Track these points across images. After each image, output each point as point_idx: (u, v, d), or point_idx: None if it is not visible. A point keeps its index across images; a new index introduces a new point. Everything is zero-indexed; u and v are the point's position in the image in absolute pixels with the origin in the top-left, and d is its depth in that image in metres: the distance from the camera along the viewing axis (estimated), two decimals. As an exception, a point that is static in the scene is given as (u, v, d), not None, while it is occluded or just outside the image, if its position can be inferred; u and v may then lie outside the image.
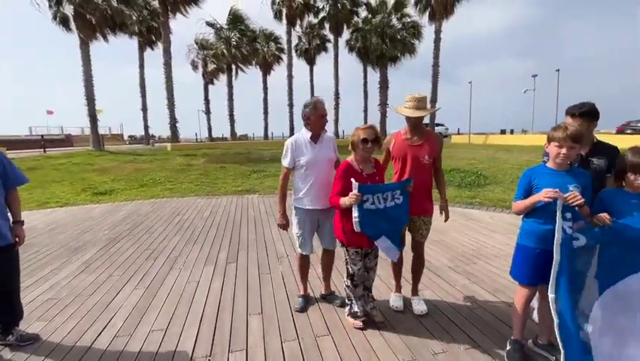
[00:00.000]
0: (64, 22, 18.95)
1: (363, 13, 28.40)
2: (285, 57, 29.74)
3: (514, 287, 3.02)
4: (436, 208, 2.67)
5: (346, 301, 2.58)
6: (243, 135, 40.33)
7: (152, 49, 28.98)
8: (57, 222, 5.83)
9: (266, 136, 33.78)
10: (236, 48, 28.04)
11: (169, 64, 21.98)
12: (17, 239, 2.32)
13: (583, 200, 1.69)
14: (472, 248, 4.14)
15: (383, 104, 28.62)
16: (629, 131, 19.10)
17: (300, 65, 38.36)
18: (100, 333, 2.49)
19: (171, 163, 13.80)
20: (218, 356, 2.21)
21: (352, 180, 2.21)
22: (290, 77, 28.63)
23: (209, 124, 34.23)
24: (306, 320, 2.61)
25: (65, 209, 6.98)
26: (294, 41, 30.72)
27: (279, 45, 31.64)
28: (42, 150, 19.40)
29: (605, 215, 1.72)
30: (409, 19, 27.00)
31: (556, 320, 1.65)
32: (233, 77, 30.77)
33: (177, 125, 23.12)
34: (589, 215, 1.81)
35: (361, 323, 2.45)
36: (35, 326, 2.58)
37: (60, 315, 2.76)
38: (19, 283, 2.41)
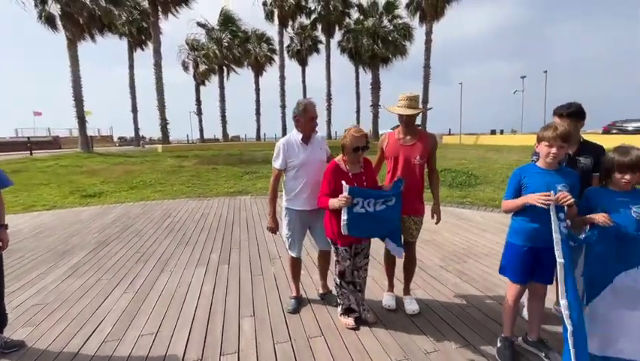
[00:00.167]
0: (49, 21, 18.55)
1: (354, 14, 28.55)
2: (277, 58, 29.68)
3: (504, 285, 3.05)
4: (428, 209, 2.68)
5: (338, 300, 2.58)
6: (235, 137, 40.08)
7: (143, 49, 28.65)
8: (44, 225, 5.71)
9: (258, 137, 33.64)
10: (227, 49, 27.89)
11: (159, 64, 21.73)
12: (0, 243, 2.26)
13: (573, 200, 1.72)
14: (463, 247, 4.18)
15: (375, 105, 28.75)
16: (614, 131, 19.52)
17: (292, 65, 38.35)
18: (88, 338, 2.44)
19: (162, 165, 13.64)
20: (209, 359, 2.19)
21: (343, 182, 2.21)
22: (282, 78, 28.56)
23: (200, 125, 33.94)
24: (299, 321, 2.60)
25: (52, 212, 6.84)
26: (286, 42, 30.71)
27: (270, 46, 31.56)
28: (28, 152, 18.96)
29: (604, 215, 1.72)
30: (400, 21, 27.20)
31: (570, 328, 1.62)
32: (225, 78, 30.62)
33: (168, 126, 22.85)
34: (576, 214, 1.84)
35: (354, 323, 2.45)
36: (21, 333, 2.52)
37: (47, 320, 2.70)
38: (3, 288, 2.34)
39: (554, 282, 1.84)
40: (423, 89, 26.49)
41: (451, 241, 4.43)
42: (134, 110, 28.93)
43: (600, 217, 1.73)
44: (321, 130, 2.75)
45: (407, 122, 2.54)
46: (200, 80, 32.51)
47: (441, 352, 2.19)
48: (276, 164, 2.60)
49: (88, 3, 18.27)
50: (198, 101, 33.55)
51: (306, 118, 2.54)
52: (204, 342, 2.36)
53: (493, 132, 33.92)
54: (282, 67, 28.34)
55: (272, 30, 45.77)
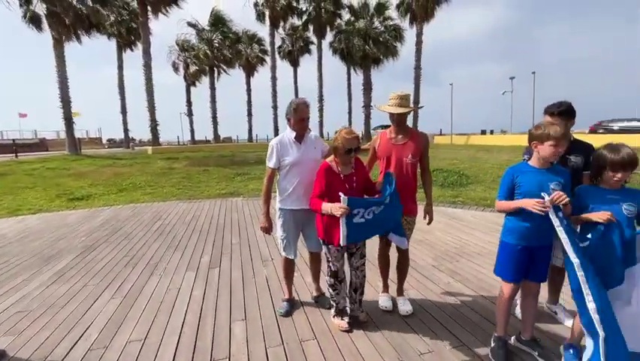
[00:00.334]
0: (34, 21, 18.17)
1: (346, 15, 28.63)
2: (268, 59, 29.60)
3: (497, 285, 3.05)
4: (421, 209, 2.67)
5: (331, 301, 2.55)
6: (226, 138, 39.75)
7: (132, 50, 28.26)
8: (29, 229, 5.55)
9: (250, 138, 33.47)
10: (218, 50, 27.70)
11: (149, 65, 21.46)
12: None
13: (568, 198, 1.72)
14: (456, 247, 4.20)
15: (367, 105, 28.86)
16: (601, 131, 19.95)
17: (283, 66, 38.36)
18: (73, 346, 2.36)
19: (152, 167, 13.44)
20: (199, 365, 2.14)
21: (341, 194, 2.14)
22: (274, 78, 28.48)
23: (191, 127, 33.63)
24: (291, 324, 2.56)
25: (38, 216, 6.66)
26: (278, 43, 30.65)
27: (262, 47, 31.47)
28: (14, 154, 18.50)
29: (608, 213, 1.71)
30: (390, 23, 27.38)
31: (602, 333, 1.58)
32: (216, 79, 30.39)
33: (158, 128, 22.58)
34: (571, 213, 1.85)
35: (347, 325, 2.43)
36: (2, 341, 2.42)
37: (30, 328, 2.60)
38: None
39: (546, 280, 1.84)
40: (414, 90, 26.70)
41: (444, 240, 4.44)
42: (124, 111, 28.52)
43: (604, 215, 1.71)
44: (313, 131, 2.71)
45: (398, 120, 2.53)
46: (190, 81, 32.22)
47: (435, 353, 2.17)
48: (270, 163, 2.57)
49: (74, 3, 17.95)
50: (189, 103, 33.26)
51: (295, 118, 2.51)
52: (194, 348, 2.30)
53: (483, 132, 34.37)
54: (273, 68, 28.27)
55: (263, 31, 45.61)
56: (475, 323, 2.50)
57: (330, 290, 2.51)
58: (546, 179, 1.85)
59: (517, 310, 2.46)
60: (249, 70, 32.03)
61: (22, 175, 11.72)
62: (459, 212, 5.97)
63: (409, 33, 27.18)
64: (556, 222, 1.69)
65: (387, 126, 2.69)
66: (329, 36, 29.05)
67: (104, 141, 38.56)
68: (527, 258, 1.94)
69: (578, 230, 1.87)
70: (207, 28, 28.22)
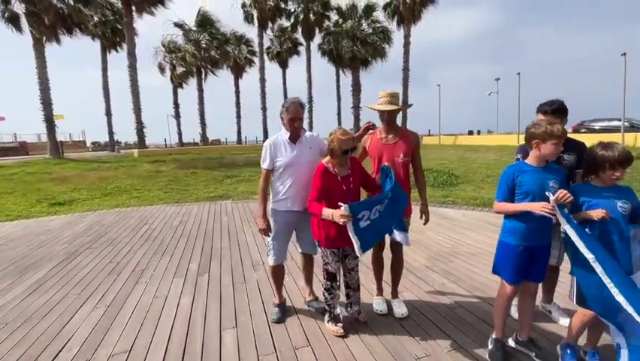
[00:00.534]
0: (13, 21, 17.58)
1: (334, 17, 28.70)
2: (257, 60, 29.43)
3: (491, 284, 3.06)
4: (416, 209, 2.63)
5: (325, 306, 2.48)
6: (215, 140, 39.31)
7: (117, 51, 27.65)
8: (6, 237, 5.30)
9: (239, 140, 33.15)
10: (205, 50, 27.35)
11: (134, 66, 21.07)
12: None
13: (572, 196, 1.71)
14: (448, 247, 4.18)
15: (356, 107, 28.97)
16: (583, 130, 20.52)
17: (272, 68, 38.11)
18: (53, 360, 2.22)
19: (138, 170, 13.14)
20: (188, 377, 2.03)
21: (340, 204, 2.06)
22: (262, 80, 28.34)
23: (179, 129, 33.09)
24: (284, 331, 2.47)
25: (17, 223, 6.38)
26: (266, 44, 30.51)
27: (250, 48, 31.25)
28: (-8, 159, 17.86)
29: (603, 211, 1.70)
30: (379, 25, 27.57)
31: None
32: (204, 81, 30.01)
33: (145, 130, 22.20)
34: (570, 211, 1.83)
35: (342, 330, 2.36)
36: (-26, 358, 2.27)
37: (7, 342, 2.45)
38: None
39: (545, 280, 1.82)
40: (402, 91, 26.95)
41: (436, 240, 4.43)
42: (108, 113, 27.85)
43: (599, 213, 1.70)
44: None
45: (389, 119, 2.49)
46: (177, 82, 31.74)
47: (432, 356, 2.12)
48: (264, 164, 2.50)
49: (55, 2, 17.45)
50: (176, 104, 32.75)
51: (286, 118, 2.44)
52: (182, 358, 2.20)
53: (470, 133, 34.94)
54: (262, 69, 28.13)
55: (251, 32, 45.35)
56: (470, 324, 2.47)
57: (326, 294, 2.44)
58: (545, 177, 1.84)
59: (512, 311, 2.43)
60: (238, 71, 31.77)
61: (0, 180, 11.28)
62: (450, 212, 5.99)
63: (397, 35, 27.48)
64: (563, 221, 1.67)
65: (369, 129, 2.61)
66: (317, 38, 29.12)
67: (88, 144, 37.66)
68: (528, 258, 1.92)
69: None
70: (194, 28, 27.84)
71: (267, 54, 31.66)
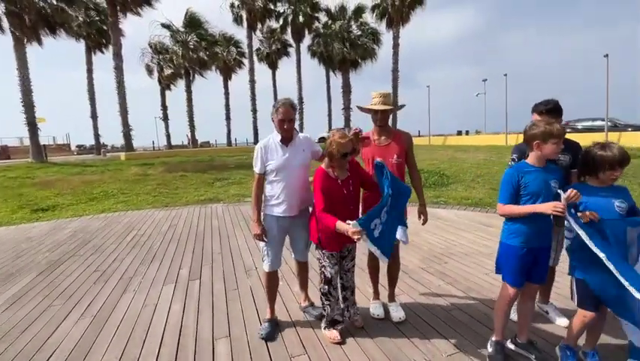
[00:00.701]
0: (-7, 20, 17.03)
1: (323, 18, 28.73)
2: (246, 62, 29.21)
3: (487, 286, 3.06)
4: (413, 210, 2.60)
5: (322, 312, 2.42)
6: (205, 142, 38.82)
7: (103, 52, 27.02)
8: (-14, 245, 5.07)
9: (229, 142, 32.81)
10: (194, 52, 27.00)
11: (120, 68, 20.64)
12: None
13: (580, 195, 1.70)
14: (442, 247, 4.17)
15: (347, 108, 29.03)
16: (568, 130, 20.96)
17: (262, 69, 38.01)
18: (34, 377, 2.10)
19: (125, 174, 12.82)
20: (180, 391, 1.94)
21: (349, 221, 1.97)
22: (252, 81, 28.14)
23: (167, 131, 32.60)
24: (280, 339, 2.40)
25: (-3, 230, 6.13)
26: (256, 46, 30.31)
27: (239, 49, 30.98)
28: (-29, 163, 17.22)
29: (592, 213, 1.71)
30: (368, 26, 27.72)
31: None
32: (192, 82, 29.61)
33: (132, 133, 21.73)
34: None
35: (339, 337, 2.30)
36: (-52, 377, 2.13)
37: (-17, 359, 2.31)
38: None
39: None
40: (392, 92, 27.10)
41: (430, 241, 4.42)
42: (94, 116, 27.16)
43: (586, 215, 1.70)
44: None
45: (382, 120, 2.45)
46: (165, 84, 31.30)
47: (431, 361, 2.09)
48: (256, 168, 2.41)
49: (36, 1, 16.97)
50: (164, 107, 32.26)
51: (276, 119, 2.36)
52: (174, 371, 2.11)
53: (459, 133, 35.41)
54: (251, 70, 27.94)
55: (241, 33, 45.08)
56: (468, 327, 2.44)
57: (323, 299, 2.38)
58: (546, 177, 1.84)
59: (513, 314, 2.41)
60: (227, 73, 31.45)
61: (-21, 186, 10.86)
62: (442, 212, 6.00)
63: (386, 36, 27.67)
64: (572, 221, 1.66)
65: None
66: (307, 39, 29.09)
67: (73, 148, 36.65)
68: (531, 261, 1.90)
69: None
70: (182, 29, 27.46)
71: (257, 55, 31.48)
